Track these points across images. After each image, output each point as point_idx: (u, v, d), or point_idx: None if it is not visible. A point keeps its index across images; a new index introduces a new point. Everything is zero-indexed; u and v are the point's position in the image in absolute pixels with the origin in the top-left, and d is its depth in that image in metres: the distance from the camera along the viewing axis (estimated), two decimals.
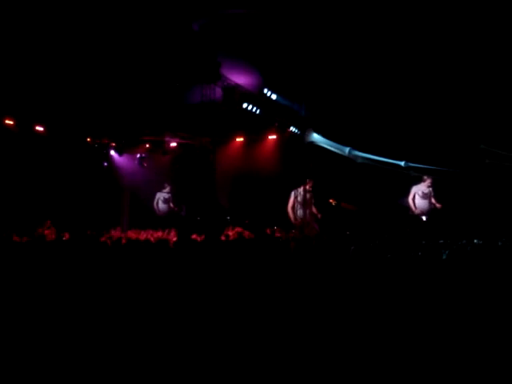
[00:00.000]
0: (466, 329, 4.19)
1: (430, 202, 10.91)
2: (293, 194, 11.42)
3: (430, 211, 10.96)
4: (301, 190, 11.26)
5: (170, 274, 5.95)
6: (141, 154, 14.55)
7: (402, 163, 11.05)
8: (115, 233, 11.25)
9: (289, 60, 10.96)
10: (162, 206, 13.25)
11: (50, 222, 10.76)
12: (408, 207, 11.23)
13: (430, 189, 10.94)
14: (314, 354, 4.01)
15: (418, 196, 10.97)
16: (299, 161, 12.27)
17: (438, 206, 10.76)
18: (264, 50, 10.72)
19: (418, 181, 11.14)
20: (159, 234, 10.99)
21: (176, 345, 4.30)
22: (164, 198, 13.21)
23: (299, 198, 11.29)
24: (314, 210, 11.44)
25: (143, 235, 10.52)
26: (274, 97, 11.92)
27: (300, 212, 11.40)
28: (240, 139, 14.30)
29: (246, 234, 9.78)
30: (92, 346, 4.27)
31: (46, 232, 10.12)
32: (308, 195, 11.45)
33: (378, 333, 4.27)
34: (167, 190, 13.24)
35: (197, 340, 4.33)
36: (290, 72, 11.31)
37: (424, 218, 11.04)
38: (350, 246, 7.16)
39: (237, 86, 11.43)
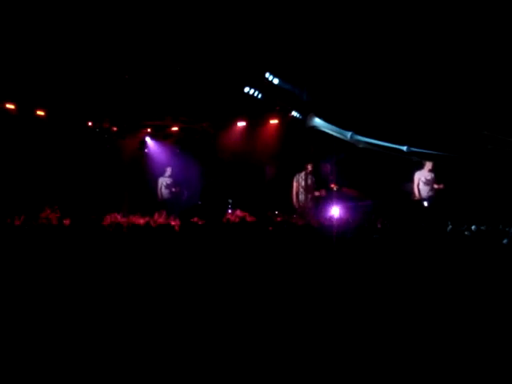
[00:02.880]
0: (466, 321, 4.19)
1: (433, 188, 10.89)
2: (295, 179, 11.40)
3: (434, 197, 10.93)
4: (302, 174, 11.23)
5: (172, 257, 5.97)
6: (142, 139, 14.57)
7: (404, 148, 11.00)
8: (117, 218, 11.23)
9: (291, 44, 10.89)
10: (164, 191, 13.24)
11: (56, 208, 10.70)
12: (410, 192, 11.20)
13: (432, 174, 10.92)
14: (314, 342, 4.03)
15: (422, 182, 10.94)
16: (301, 145, 12.25)
17: (440, 186, 10.70)
18: (266, 33, 10.64)
19: (420, 167, 11.10)
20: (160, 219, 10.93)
21: (178, 330, 4.32)
22: (166, 183, 13.20)
23: (302, 183, 11.26)
24: (317, 193, 11.41)
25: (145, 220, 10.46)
26: (275, 81, 11.86)
27: (302, 197, 11.38)
28: (241, 123, 14.26)
29: (249, 217, 9.76)
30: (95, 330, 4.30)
31: (51, 216, 10.08)
32: (310, 180, 11.42)
33: (378, 320, 4.29)
34: (168, 174, 13.22)
35: (199, 325, 4.35)
36: (292, 56, 11.24)
37: (426, 204, 11.02)
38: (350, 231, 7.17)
39: None
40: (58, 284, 5.29)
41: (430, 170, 10.84)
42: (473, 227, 6.81)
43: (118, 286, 5.33)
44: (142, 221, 8.62)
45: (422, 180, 10.90)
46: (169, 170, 13.25)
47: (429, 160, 10.93)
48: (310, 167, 11.27)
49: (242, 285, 5.11)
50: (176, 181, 13.32)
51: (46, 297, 5.03)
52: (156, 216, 9.20)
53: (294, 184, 11.19)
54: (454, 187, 10.77)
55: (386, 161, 11.22)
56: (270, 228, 7.59)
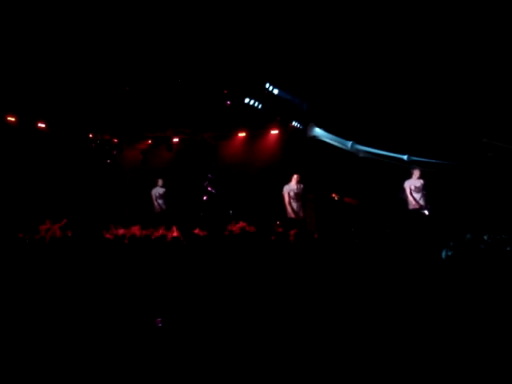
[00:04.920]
0: (467, 328, 4.17)
1: (423, 196, 10.85)
2: (285, 189, 11.43)
3: (425, 204, 10.90)
4: (291, 185, 11.28)
5: (174, 268, 5.97)
6: (142, 150, 14.61)
7: (405, 157, 11.02)
8: (117, 230, 11.23)
9: (291, 54, 10.94)
10: (160, 201, 13.27)
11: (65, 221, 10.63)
12: (408, 202, 11.17)
13: (421, 181, 10.88)
14: (314, 349, 4.02)
15: (412, 190, 10.91)
16: (301, 155, 12.28)
17: (425, 207, 10.69)
18: (265, 44, 10.70)
19: (409, 175, 11.04)
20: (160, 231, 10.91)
21: (180, 338, 4.32)
22: (159, 193, 13.23)
23: (291, 194, 11.33)
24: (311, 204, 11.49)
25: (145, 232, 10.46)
26: (275, 91, 11.91)
27: (295, 205, 11.41)
28: (242, 134, 14.30)
29: (249, 227, 9.78)
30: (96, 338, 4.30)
31: (54, 228, 10.05)
32: (299, 189, 11.45)
33: (377, 329, 4.27)
34: (160, 184, 13.26)
35: (199, 334, 4.35)
36: (292, 66, 11.29)
37: (426, 213, 10.99)
38: (351, 241, 7.16)
39: None
40: (66, 296, 5.30)
41: (419, 178, 10.81)
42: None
43: (121, 295, 5.34)
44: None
45: (411, 188, 10.85)
46: (160, 181, 13.27)
47: (416, 167, 10.87)
48: (296, 177, 11.30)
49: (243, 297, 5.12)
50: (168, 192, 13.34)
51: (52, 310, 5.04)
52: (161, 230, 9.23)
53: (285, 195, 11.25)
54: (455, 195, 10.75)
55: (387, 170, 11.22)
56: (272, 238, 7.59)
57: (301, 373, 3.77)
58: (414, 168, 10.81)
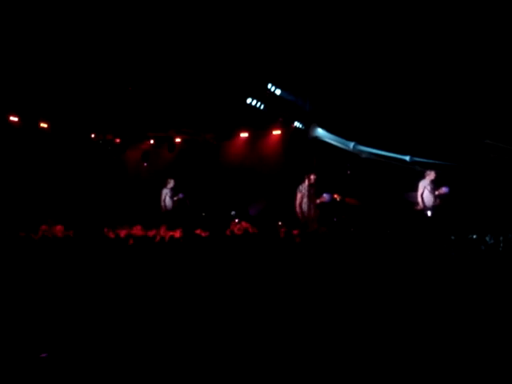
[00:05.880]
0: (469, 328, 4.16)
1: (436, 196, 10.85)
2: (298, 190, 11.42)
3: (438, 206, 10.90)
4: (305, 185, 11.26)
5: (176, 268, 5.98)
6: (144, 150, 14.62)
7: (407, 158, 11.01)
8: (121, 230, 11.23)
9: (293, 55, 10.94)
10: (168, 202, 13.25)
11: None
12: (413, 202, 11.16)
13: (433, 184, 10.89)
14: (315, 349, 4.02)
15: (427, 191, 10.90)
16: (303, 156, 12.28)
17: (441, 191, 10.70)
18: (268, 45, 10.70)
19: (422, 176, 11.06)
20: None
21: (181, 338, 4.32)
22: (169, 194, 13.21)
23: (306, 194, 11.30)
24: (318, 200, 11.45)
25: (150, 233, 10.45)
26: (278, 92, 11.91)
27: (305, 207, 11.40)
28: (244, 134, 14.30)
29: (251, 228, 9.78)
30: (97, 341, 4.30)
31: (58, 228, 10.04)
32: (312, 190, 11.44)
33: (379, 329, 4.27)
34: (171, 185, 13.24)
35: (200, 334, 4.35)
36: (294, 67, 11.29)
37: (429, 214, 10.98)
38: (353, 242, 7.17)
39: None
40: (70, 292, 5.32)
41: (432, 181, 10.82)
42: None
43: (124, 295, 5.35)
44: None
45: (427, 189, 10.85)
46: (171, 182, 13.24)
47: (431, 169, 10.89)
48: (312, 178, 11.28)
49: (244, 299, 5.12)
50: (179, 191, 13.32)
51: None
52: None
53: (298, 195, 11.22)
54: (457, 196, 10.73)
55: (389, 171, 11.22)
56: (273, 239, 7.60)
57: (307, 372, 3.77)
58: (429, 170, 10.82)
